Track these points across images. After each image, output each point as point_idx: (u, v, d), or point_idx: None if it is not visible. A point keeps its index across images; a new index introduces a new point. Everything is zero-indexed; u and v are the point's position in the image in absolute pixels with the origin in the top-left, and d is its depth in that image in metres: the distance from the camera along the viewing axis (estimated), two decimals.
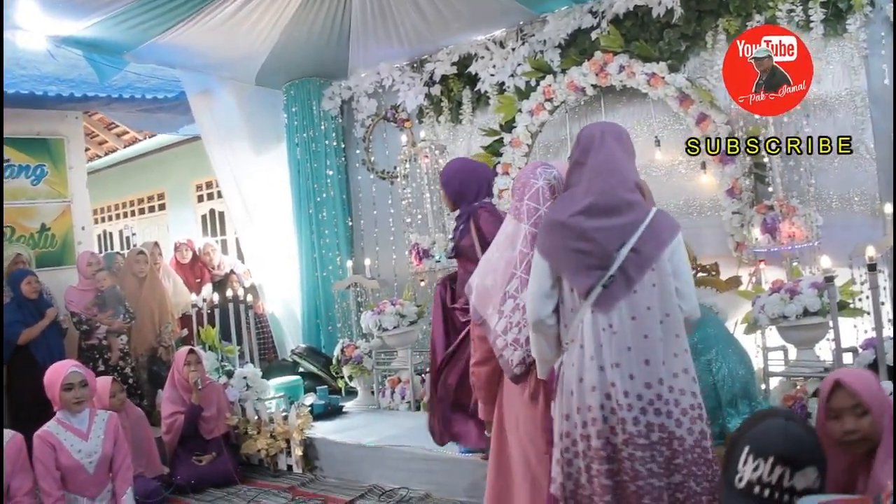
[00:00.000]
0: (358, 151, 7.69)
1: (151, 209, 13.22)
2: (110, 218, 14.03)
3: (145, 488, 5.32)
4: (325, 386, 6.76)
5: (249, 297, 7.12)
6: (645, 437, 2.67)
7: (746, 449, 2.26)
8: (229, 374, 6.52)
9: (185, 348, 6.14)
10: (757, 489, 2.21)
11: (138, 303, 7.18)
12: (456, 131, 6.89)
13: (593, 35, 5.85)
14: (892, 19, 4.77)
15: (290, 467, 5.93)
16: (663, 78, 5.42)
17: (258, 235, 7.94)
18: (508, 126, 6.33)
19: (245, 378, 6.43)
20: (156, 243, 8.01)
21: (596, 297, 2.73)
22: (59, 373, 4.33)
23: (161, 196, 12.93)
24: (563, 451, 2.80)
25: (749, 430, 2.38)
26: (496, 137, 6.39)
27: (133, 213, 13.66)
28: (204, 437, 5.94)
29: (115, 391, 5.49)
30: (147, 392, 7.03)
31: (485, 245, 3.68)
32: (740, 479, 2.23)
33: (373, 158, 7.57)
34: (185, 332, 7.70)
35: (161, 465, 5.89)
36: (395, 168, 7.17)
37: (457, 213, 4.32)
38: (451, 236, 4.59)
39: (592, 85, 5.82)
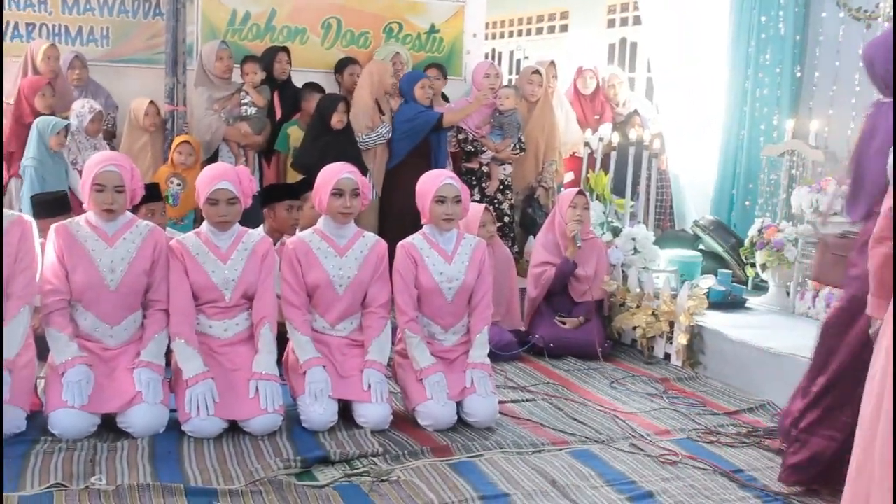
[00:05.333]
0: None
1: (551, 29, 13.49)
2: (501, 35, 14.55)
3: (499, 339, 5.68)
4: (729, 271, 6.75)
5: (656, 145, 7.12)
6: None
7: None
8: (615, 233, 6.68)
9: (574, 189, 6.29)
10: None
11: (524, 132, 7.44)
12: None
13: None
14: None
15: (667, 356, 6.06)
16: None
17: (677, 74, 8.00)
18: None
19: (634, 240, 6.58)
20: (552, 62, 8.21)
21: None
22: (433, 183, 4.54)
23: (564, 15, 13.12)
24: None
25: None
26: None
27: (528, 33, 14.05)
28: (573, 298, 6.17)
29: (485, 221, 5.79)
30: (518, 237, 7.39)
31: None
32: None
33: None
34: (572, 175, 7.96)
35: (520, 320, 6.22)
36: (877, 5, 6.69)
37: None
38: None
39: None
